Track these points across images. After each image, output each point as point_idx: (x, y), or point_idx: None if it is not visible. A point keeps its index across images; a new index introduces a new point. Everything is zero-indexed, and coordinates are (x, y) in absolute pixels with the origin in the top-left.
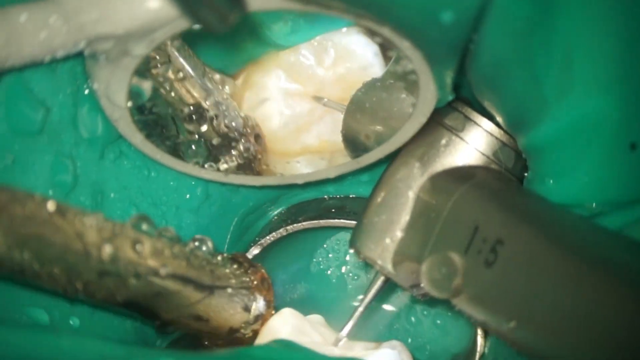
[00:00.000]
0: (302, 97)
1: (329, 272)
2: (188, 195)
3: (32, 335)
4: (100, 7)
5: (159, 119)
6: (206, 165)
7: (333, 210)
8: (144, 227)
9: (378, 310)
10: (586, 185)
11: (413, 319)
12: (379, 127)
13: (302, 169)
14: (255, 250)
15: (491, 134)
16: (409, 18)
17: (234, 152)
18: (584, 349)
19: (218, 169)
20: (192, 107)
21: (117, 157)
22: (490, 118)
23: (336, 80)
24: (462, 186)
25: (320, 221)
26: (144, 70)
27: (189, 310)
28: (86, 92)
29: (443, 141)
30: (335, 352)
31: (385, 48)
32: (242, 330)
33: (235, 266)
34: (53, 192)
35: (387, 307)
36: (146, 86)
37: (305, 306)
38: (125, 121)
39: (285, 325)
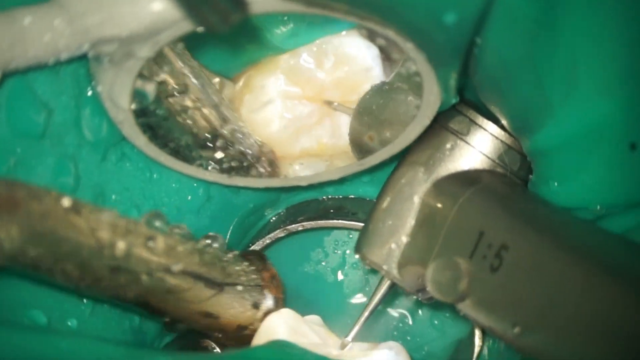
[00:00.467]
0: (301, 100)
1: (327, 272)
2: (190, 197)
3: (31, 336)
4: (104, 9)
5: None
6: (209, 168)
7: (332, 210)
8: (157, 224)
9: (376, 312)
10: (591, 187)
11: (410, 319)
12: (385, 130)
13: (302, 171)
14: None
15: (496, 137)
16: (412, 19)
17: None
18: (590, 353)
19: (221, 169)
20: (207, 134)
21: (120, 159)
22: (495, 121)
23: (336, 84)
24: (467, 190)
25: (319, 222)
26: (158, 96)
27: (199, 307)
28: (89, 94)
29: (448, 145)
30: (333, 352)
31: (385, 51)
32: (251, 327)
33: (245, 263)
34: None
35: (386, 308)
36: (149, 88)
37: (303, 306)
38: (129, 123)
39: (282, 325)
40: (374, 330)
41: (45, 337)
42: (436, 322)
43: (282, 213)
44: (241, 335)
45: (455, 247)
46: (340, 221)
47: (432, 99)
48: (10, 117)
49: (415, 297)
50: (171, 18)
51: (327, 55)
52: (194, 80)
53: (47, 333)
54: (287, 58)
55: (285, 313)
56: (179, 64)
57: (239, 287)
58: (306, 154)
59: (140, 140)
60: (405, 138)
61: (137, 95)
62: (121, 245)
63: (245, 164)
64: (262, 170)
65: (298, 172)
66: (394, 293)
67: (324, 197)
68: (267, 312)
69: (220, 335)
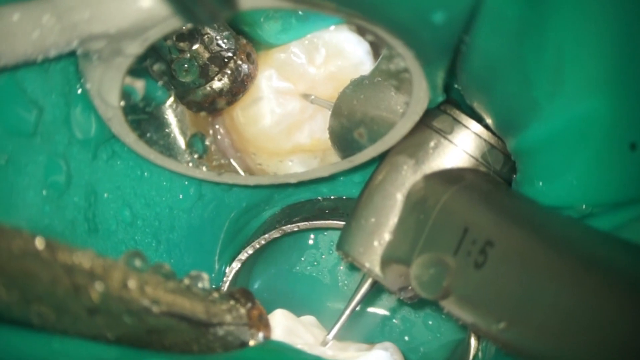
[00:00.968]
0: (293, 95)
1: (322, 272)
2: (181, 196)
3: (24, 336)
4: (92, 6)
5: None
6: (204, 168)
7: (327, 211)
8: (137, 263)
9: (372, 312)
10: (576, 187)
11: (406, 320)
12: (366, 125)
13: (295, 167)
14: (248, 251)
15: (480, 137)
16: (401, 18)
17: (226, 70)
18: (574, 348)
19: (210, 167)
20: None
21: (110, 157)
22: (479, 120)
23: (327, 79)
24: (451, 188)
25: (314, 222)
26: None
27: (184, 347)
28: (79, 91)
29: (432, 143)
30: (328, 353)
31: (376, 46)
32: None
33: (231, 302)
34: (46, 192)
35: (380, 308)
36: (139, 85)
37: (298, 307)
38: (118, 120)
39: (278, 326)
40: (370, 331)
41: (37, 338)
42: (432, 322)
43: (277, 213)
44: None
45: (439, 244)
46: (335, 222)
47: (421, 96)
48: (0, 115)
49: (397, 295)
50: (160, 15)
51: (318, 49)
52: None
53: (40, 333)
54: (278, 53)
55: (280, 314)
56: None
57: (226, 327)
58: (299, 149)
59: (129, 137)
60: (394, 135)
61: (126, 92)
62: (98, 287)
63: (224, 55)
64: (239, 62)
65: (291, 167)
66: (388, 294)
67: (319, 198)
68: None
69: None
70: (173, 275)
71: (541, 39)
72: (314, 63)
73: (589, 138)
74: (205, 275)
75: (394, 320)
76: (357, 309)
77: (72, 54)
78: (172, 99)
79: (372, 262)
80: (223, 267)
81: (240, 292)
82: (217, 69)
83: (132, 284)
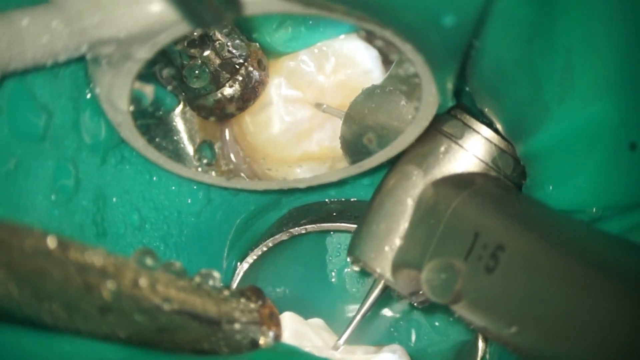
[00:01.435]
0: (302, 103)
1: (330, 275)
2: (190, 200)
3: (34, 337)
4: (102, 11)
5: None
6: (213, 173)
7: (335, 213)
8: (148, 261)
9: (379, 314)
10: (586, 190)
11: (413, 322)
12: (377, 132)
13: (303, 174)
14: (256, 254)
15: (490, 141)
16: (411, 21)
17: (237, 76)
18: (586, 353)
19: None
20: (196, 32)
21: (119, 162)
22: (489, 125)
23: (337, 87)
24: (461, 193)
25: (322, 225)
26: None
27: (195, 345)
28: (88, 96)
29: (442, 148)
30: (336, 356)
31: (384, 53)
32: None
33: (242, 300)
34: (55, 196)
35: (388, 311)
36: (148, 90)
37: (306, 310)
38: (127, 125)
39: (285, 329)
40: (377, 333)
41: (48, 340)
42: (439, 325)
43: (284, 216)
44: None
45: (450, 249)
46: (342, 224)
47: (430, 101)
48: (10, 120)
49: (408, 300)
50: (169, 19)
51: (328, 58)
52: None
53: (51, 335)
54: (287, 61)
55: (288, 316)
56: None
57: (236, 325)
58: (307, 157)
59: (139, 142)
60: (403, 140)
61: (136, 97)
62: (110, 285)
63: (235, 61)
64: (251, 69)
65: (299, 175)
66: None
67: (327, 200)
68: None
69: None
70: (184, 274)
71: (551, 42)
72: (323, 71)
73: (599, 141)
74: (216, 273)
75: (401, 323)
76: (369, 312)
77: (81, 58)
78: (181, 105)
79: (384, 267)
80: (230, 270)
81: (251, 290)
82: (228, 75)
83: (143, 282)
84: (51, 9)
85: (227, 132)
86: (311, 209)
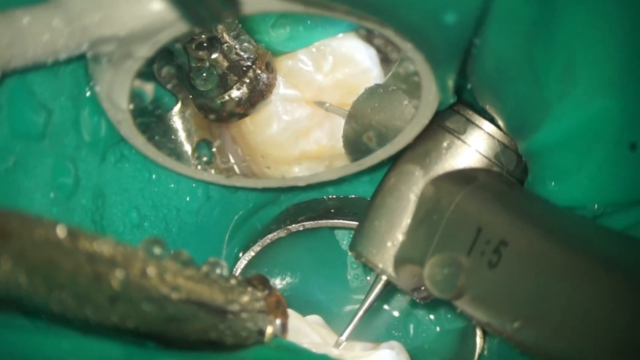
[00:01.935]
0: (300, 102)
1: (328, 272)
2: (188, 198)
3: (33, 335)
4: (102, 9)
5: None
6: (212, 171)
7: (332, 210)
8: (156, 250)
9: (377, 311)
10: (588, 187)
11: (412, 319)
12: (379, 131)
13: (302, 173)
14: (254, 250)
15: (492, 137)
16: (412, 20)
17: (245, 79)
18: (589, 347)
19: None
20: (204, 35)
21: (119, 160)
22: (492, 120)
23: (335, 86)
24: (464, 188)
25: (320, 221)
26: None
27: (202, 335)
28: (88, 94)
29: (445, 144)
30: (334, 352)
31: (383, 52)
32: None
33: (249, 289)
34: (54, 194)
35: (386, 307)
36: (148, 88)
37: (303, 306)
38: (127, 124)
39: None
40: (375, 329)
41: (47, 337)
42: (437, 321)
43: (282, 212)
44: None
45: (453, 244)
46: (340, 221)
47: (430, 99)
48: (10, 118)
49: (410, 296)
50: (170, 18)
51: (326, 57)
52: None
53: (49, 333)
54: (285, 61)
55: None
56: None
57: (243, 314)
58: (305, 156)
59: (138, 140)
60: (403, 138)
61: (136, 95)
62: (119, 274)
63: (243, 64)
64: (258, 72)
65: (297, 174)
66: (394, 292)
67: (325, 197)
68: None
69: None
70: (191, 263)
71: (552, 39)
72: (321, 70)
73: (600, 138)
74: (223, 263)
75: (399, 319)
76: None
77: (81, 57)
78: (179, 104)
79: (386, 262)
80: (228, 267)
81: (258, 278)
82: (236, 78)
83: (151, 271)
84: (52, 8)
85: (225, 130)
86: (309, 205)
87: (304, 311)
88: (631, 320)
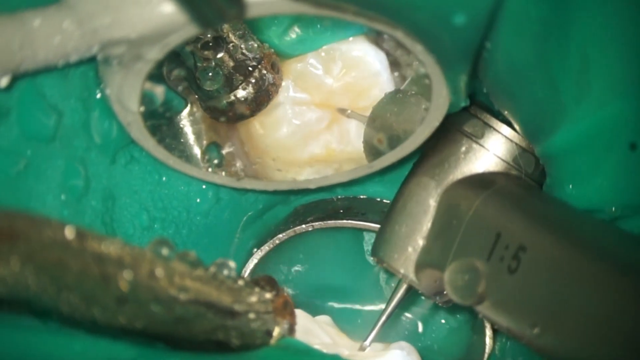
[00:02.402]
0: (310, 106)
1: (336, 273)
2: (199, 200)
3: (44, 336)
4: (113, 11)
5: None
6: (222, 174)
7: (341, 210)
8: (164, 251)
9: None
10: (606, 189)
11: (421, 319)
12: (398, 135)
13: (312, 176)
14: (263, 251)
15: (510, 140)
16: (422, 21)
17: (251, 79)
18: (609, 353)
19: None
20: (210, 34)
21: (129, 162)
22: (509, 124)
23: (344, 89)
24: (483, 193)
25: (329, 222)
26: None
27: (210, 336)
28: (98, 96)
29: (463, 148)
30: (344, 353)
31: (392, 56)
32: None
33: (257, 290)
34: (65, 197)
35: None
36: (159, 91)
37: (312, 307)
38: (137, 126)
39: None
40: (385, 330)
41: (58, 339)
42: (447, 322)
43: (291, 213)
44: None
45: (473, 250)
46: (349, 221)
47: (441, 102)
48: (20, 120)
49: (433, 300)
50: (180, 20)
51: (335, 60)
52: None
53: (61, 334)
54: (295, 64)
55: (297, 313)
56: None
57: (251, 315)
58: (315, 160)
59: (148, 142)
60: (414, 140)
61: (146, 97)
62: (127, 275)
63: (248, 64)
64: (264, 72)
65: (307, 176)
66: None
67: (334, 198)
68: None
69: None
70: (199, 263)
71: (565, 42)
72: (330, 74)
73: (617, 140)
74: (231, 263)
75: (409, 320)
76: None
77: (92, 59)
78: (189, 107)
79: (407, 267)
80: (237, 268)
81: (265, 279)
82: (241, 77)
83: (159, 272)
84: (62, 10)
85: (235, 133)
86: (317, 206)
87: (314, 312)
88: None
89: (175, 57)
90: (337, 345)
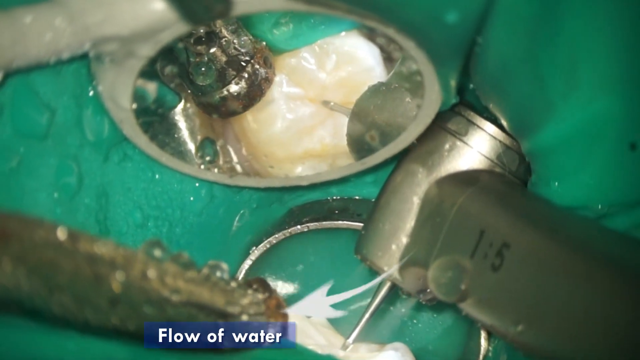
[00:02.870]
0: (304, 101)
1: (331, 273)
2: (192, 197)
3: (37, 335)
4: (105, 8)
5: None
6: (215, 171)
7: (336, 211)
8: (157, 252)
9: (381, 312)
10: (591, 187)
11: (416, 320)
12: (381, 129)
13: (305, 172)
14: (257, 252)
15: (494, 138)
16: (414, 18)
17: (243, 74)
18: (593, 350)
19: (221, 170)
20: (202, 29)
21: (122, 160)
22: (493, 121)
23: (338, 84)
24: (466, 190)
25: (324, 222)
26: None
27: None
28: (91, 94)
29: (447, 146)
30: (340, 354)
31: (386, 50)
32: None
33: (250, 292)
34: (58, 194)
35: (390, 308)
36: (151, 88)
37: None
38: (130, 123)
39: None
40: (379, 330)
41: (51, 338)
42: (441, 322)
43: (286, 214)
44: None
45: (456, 247)
46: (344, 222)
47: (433, 98)
48: (13, 117)
49: (416, 298)
50: (173, 17)
51: (329, 55)
52: None
53: (54, 333)
54: (288, 59)
55: (291, 314)
56: None
57: (244, 317)
58: (309, 155)
59: (141, 139)
60: (406, 137)
61: (138, 94)
62: (119, 276)
63: (241, 59)
64: (257, 67)
65: (300, 173)
66: (398, 294)
67: (329, 198)
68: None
69: None
70: (192, 265)
71: (555, 39)
72: (324, 69)
73: (604, 137)
74: (224, 265)
75: (403, 320)
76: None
77: (84, 56)
78: (182, 103)
79: (390, 265)
80: (232, 268)
81: (258, 281)
82: (234, 72)
83: (152, 273)
84: (54, 7)
85: (229, 129)
86: (312, 207)
87: None
88: (635, 322)
89: (168, 53)
90: (331, 346)
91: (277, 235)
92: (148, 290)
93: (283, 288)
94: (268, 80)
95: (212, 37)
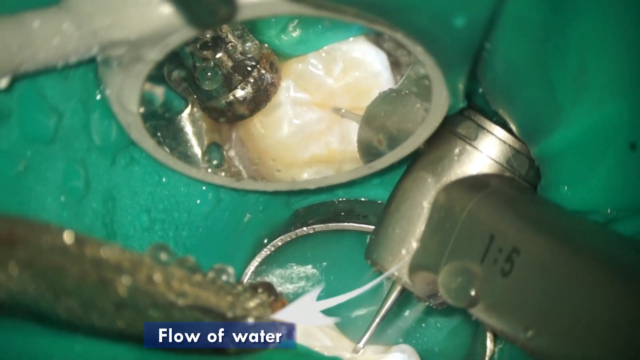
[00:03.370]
0: (311, 106)
1: (337, 275)
2: (199, 201)
3: (44, 339)
4: (112, 12)
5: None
6: (222, 174)
7: (342, 213)
8: (163, 256)
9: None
10: (601, 191)
11: (422, 322)
12: (392, 134)
13: (312, 177)
14: (263, 254)
15: (504, 142)
16: (422, 23)
17: (249, 79)
18: (604, 356)
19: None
20: (208, 34)
21: (129, 163)
22: (503, 125)
23: (345, 90)
24: (476, 195)
25: (330, 224)
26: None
27: None
28: (98, 98)
29: (456, 150)
30: (346, 356)
31: (393, 56)
32: None
33: (255, 295)
34: (65, 198)
35: (398, 311)
36: (158, 92)
37: None
38: (137, 127)
39: None
40: (386, 332)
41: (58, 342)
42: (447, 324)
43: (292, 215)
44: None
45: (466, 252)
46: (350, 224)
47: (441, 103)
48: (20, 121)
49: (426, 303)
50: (179, 21)
51: (336, 61)
52: None
53: (61, 336)
54: (296, 64)
55: None
56: None
57: (250, 320)
58: (315, 160)
59: (148, 143)
60: (414, 141)
61: (146, 98)
62: (125, 281)
63: (247, 64)
64: (263, 71)
65: (307, 177)
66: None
67: (335, 200)
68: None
69: None
70: (198, 269)
71: (563, 44)
72: (331, 74)
73: (613, 142)
74: (229, 269)
75: (410, 322)
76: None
77: (91, 60)
78: (189, 107)
79: (401, 270)
80: (238, 270)
81: (263, 285)
82: (240, 77)
83: (158, 277)
84: (62, 11)
85: (234, 135)
86: (319, 208)
87: None
88: None
89: (175, 57)
90: (338, 348)
91: (283, 237)
92: (154, 294)
93: (289, 290)
94: (274, 85)
95: (218, 42)
